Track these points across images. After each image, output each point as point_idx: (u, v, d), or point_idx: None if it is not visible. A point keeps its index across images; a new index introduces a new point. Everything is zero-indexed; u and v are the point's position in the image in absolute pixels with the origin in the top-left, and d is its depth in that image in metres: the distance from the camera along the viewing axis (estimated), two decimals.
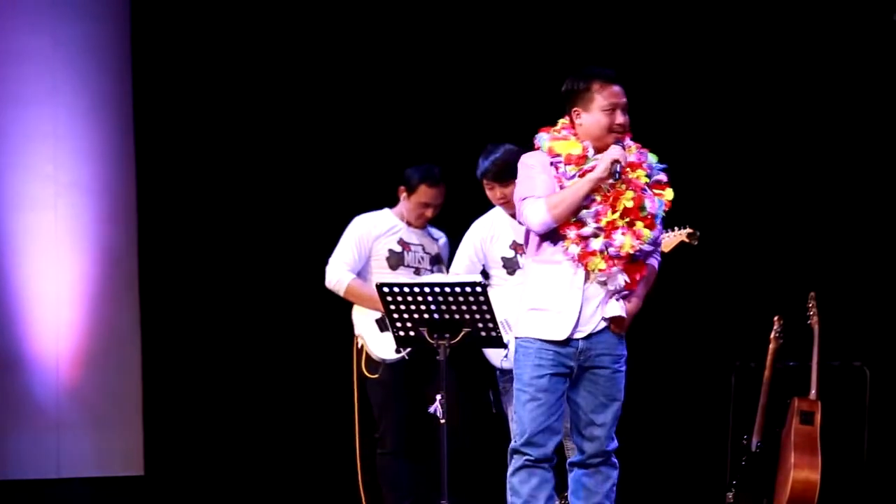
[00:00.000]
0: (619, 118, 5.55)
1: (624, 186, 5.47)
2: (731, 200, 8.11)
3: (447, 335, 6.05)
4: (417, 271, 7.00)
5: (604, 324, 5.51)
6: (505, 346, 6.46)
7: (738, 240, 8.05)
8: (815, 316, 7.42)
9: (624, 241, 5.43)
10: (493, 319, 6.32)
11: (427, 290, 6.11)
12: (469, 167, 6.68)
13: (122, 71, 8.52)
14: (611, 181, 5.43)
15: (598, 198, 5.47)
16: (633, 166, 5.53)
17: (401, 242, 6.94)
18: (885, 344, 7.86)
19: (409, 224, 7.00)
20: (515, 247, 6.60)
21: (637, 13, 8.25)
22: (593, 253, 5.44)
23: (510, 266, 6.62)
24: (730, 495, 7.44)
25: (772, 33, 8.10)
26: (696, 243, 6.58)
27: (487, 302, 6.31)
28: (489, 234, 6.62)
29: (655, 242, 5.57)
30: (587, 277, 5.48)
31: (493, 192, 6.61)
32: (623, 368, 5.57)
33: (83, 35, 8.49)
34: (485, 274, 6.68)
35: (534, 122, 8.12)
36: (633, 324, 8.05)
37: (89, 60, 8.50)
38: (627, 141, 5.59)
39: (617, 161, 5.42)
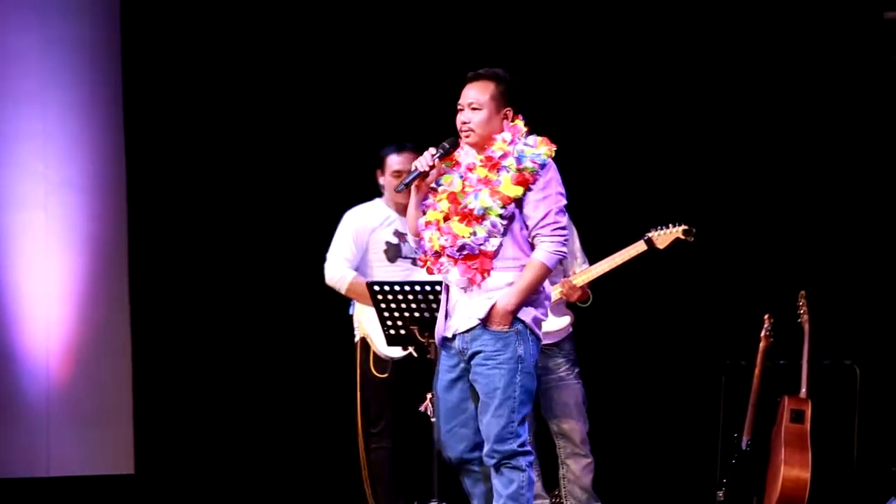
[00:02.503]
0: (459, 117, 5.61)
1: (451, 186, 5.53)
2: (721, 199, 8.11)
3: None
4: (414, 262, 6.98)
5: (475, 321, 5.49)
6: None
7: (729, 238, 8.04)
8: (805, 314, 7.42)
9: (433, 237, 5.49)
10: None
11: (418, 288, 6.16)
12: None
13: (112, 69, 8.51)
14: (406, 183, 5.53)
15: (434, 200, 5.58)
16: (470, 167, 5.55)
17: (396, 234, 6.93)
18: (876, 342, 7.87)
19: (399, 212, 6.99)
20: None
21: (632, 11, 8.25)
22: (425, 255, 5.57)
23: None
24: (720, 494, 7.44)
25: (763, 32, 8.10)
26: (691, 240, 6.59)
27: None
28: None
29: (494, 235, 5.47)
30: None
31: None
32: (504, 366, 5.47)
33: (73, 33, 8.47)
34: None
35: (531, 122, 8.15)
36: (624, 322, 8.12)
37: (79, 58, 8.48)
38: (501, 135, 5.56)
39: (417, 168, 5.53)
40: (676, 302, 8.14)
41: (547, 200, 5.52)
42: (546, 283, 5.58)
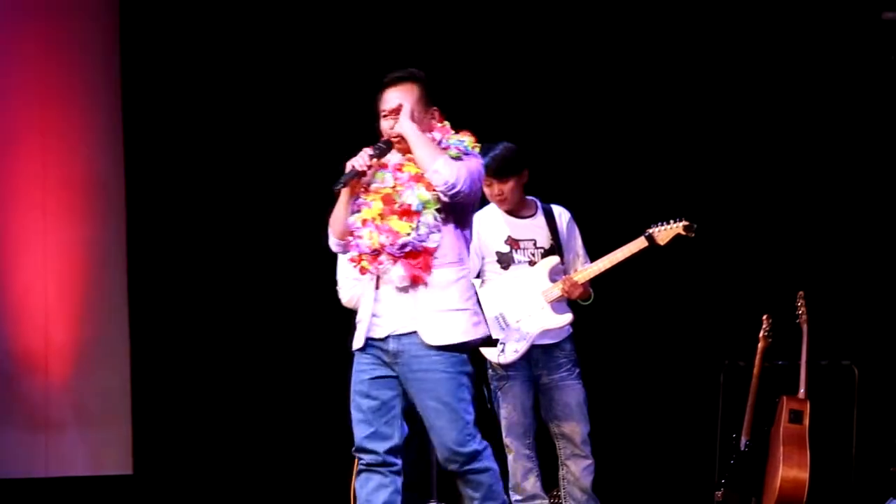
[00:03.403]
0: (385, 124, 5.49)
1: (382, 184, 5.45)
2: (720, 199, 8.11)
3: None
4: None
5: (420, 320, 5.37)
6: (495, 343, 6.47)
7: (728, 238, 8.05)
8: (803, 315, 7.42)
9: (371, 235, 5.37)
10: (484, 318, 6.32)
11: None
12: None
13: (110, 68, 8.51)
14: (343, 182, 5.40)
15: (366, 199, 5.46)
16: (398, 167, 5.46)
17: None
18: (874, 343, 7.88)
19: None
20: (511, 242, 6.60)
21: (634, 9, 8.26)
22: (360, 256, 5.42)
23: (504, 261, 6.63)
24: (719, 494, 7.45)
25: (762, 31, 8.11)
26: (692, 235, 6.57)
27: (477, 298, 6.31)
28: (485, 228, 6.61)
29: (434, 230, 5.37)
30: (378, 280, 5.42)
31: (490, 189, 6.60)
32: (451, 369, 5.36)
33: (71, 31, 8.47)
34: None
35: (531, 121, 8.16)
36: (623, 322, 8.12)
37: (78, 58, 8.49)
38: (433, 135, 5.47)
39: (353, 167, 5.41)
40: (675, 302, 8.14)
41: (467, 163, 5.39)
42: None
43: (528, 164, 6.63)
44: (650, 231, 6.56)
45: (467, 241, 5.51)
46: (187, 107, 8.49)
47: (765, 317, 7.48)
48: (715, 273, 8.10)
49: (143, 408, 8.48)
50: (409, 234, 5.34)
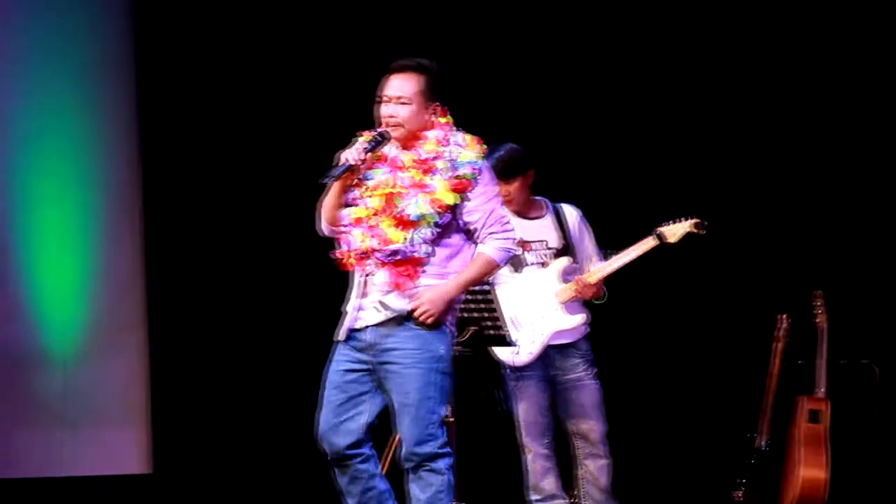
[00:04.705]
0: (383, 110, 5.42)
1: (381, 182, 5.40)
2: (736, 197, 8.09)
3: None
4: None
5: (390, 315, 5.34)
6: (511, 344, 6.47)
7: (744, 237, 8.03)
8: (822, 314, 7.40)
9: (363, 236, 5.35)
10: (500, 318, 6.32)
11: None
12: None
13: (126, 64, 8.51)
14: (334, 176, 5.38)
15: (362, 194, 5.41)
16: (399, 166, 5.40)
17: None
18: (894, 341, 7.84)
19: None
20: (521, 244, 6.59)
21: (643, 7, 8.24)
22: (347, 253, 5.40)
23: (515, 264, 6.62)
24: (738, 494, 7.43)
25: (781, 27, 8.07)
26: (703, 233, 6.56)
27: (494, 301, 6.31)
28: None
29: (426, 242, 5.33)
30: (367, 277, 5.39)
31: None
32: (422, 365, 5.30)
33: (87, 28, 8.48)
34: None
35: (539, 119, 8.15)
36: (641, 322, 8.11)
37: (94, 54, 8.48)
38: (432, 133, 5.41)
39: (347, 160, 5.38)
40: (692, 302, 8.12)
41: (490, 201, 5.38)
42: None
43: (535, 163, 6.63)
44: (660, 229, 6.55)
45: (467, 251, 5.43)
46: (204, 102, 8.48)
47: (783, 316, 7.46)
48: (732, 272, 8.08)
49: (162, 406, 8.48)
50: (402, 244, 5.31)
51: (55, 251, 8.40)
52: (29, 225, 8.39)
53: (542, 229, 6.65)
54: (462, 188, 5.34)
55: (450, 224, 5.36)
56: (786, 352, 7.45)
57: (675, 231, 6.55)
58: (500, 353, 6.62)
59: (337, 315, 7.74)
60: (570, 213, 6.70)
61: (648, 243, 6.57)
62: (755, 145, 8.14)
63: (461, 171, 5.34)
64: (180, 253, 8.48)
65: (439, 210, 5.31)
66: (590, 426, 6.62)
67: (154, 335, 8.50)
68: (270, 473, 8.48)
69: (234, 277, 8.49)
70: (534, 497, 6.70)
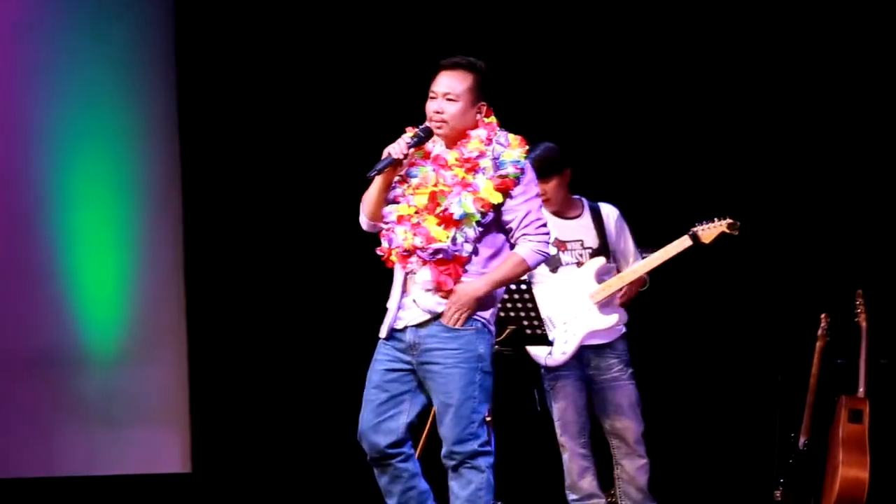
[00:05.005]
0: (431, 105, 5.43)
1: (426, 180, 5.40)
2: (777, 197, 8.07)
3: None
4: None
5: (428, 315, 5.35)
6: (550, 343, 6.46)
7: (785, 237, 8.01)
8: (862, 313, 7.36)
9: (406, 235, 5.34)
10: (539, 317, 6.32)
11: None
12: None
13: (166, 65, 8.54)
14: (378, 169, 5.38)
15: (405, 191, 5.41)
16: (443, 164, 5.40)
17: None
18: None
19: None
20: (557, 244, 6.59)
21: (677, 7, 8.23)
22: (389, 250, 5.41)
23: (552, 263, 6.62)
24: (777, 493, 7.41)
25: (814, 23, 8.04)
26: (736, 233, 6.54)
27: (532, 300, 6.31)
28: None
29: (470, 241, 5.34)
30: (407, 275, 5.41)
31: None
32: (464, 365, 5.32)
33: (127, 32, 8.51)
34: None
35: (577, 118, 8.14)
36: (681, 321, 8.09)
37: (133, 57, 8.52)
38: (476, 132, 5.41)
39: (390, 154, 5.38)
40: (733, 301, 8.10)
41: (529, 202, 5.38)
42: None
43: (572, 162, 6.62)
44: (694, 230, 6.54)
45: (507, 251, 5.44)
46: (244, 104, 8.51)
47: (823, 315, 7.43)
48: (773, 271, 8.06)
49: (202, 406, 8.51)
50: (446, 242, 5.32)
51: (96, 252, 8.44)
52: (69, 226, 8.43)
53: (579, 229, 6.64)
54: (505, 187, 5.35)
55: (492, 223, 5.36)
56: (826, 351, 7.41)
57: (709, 232, 6.54)
58: (535, 352, 6.62)
59: (376, 313, 7.72)
60: (608, 212, 6.68)
61: (683, 243, 6.55)
62: (799, 145, 8.11)
63: (505, 171, 5.35)
64: (220, 253, 8.50)
65: (483, 209, 5.32)
66: (625, 426, 6.61)
67: (193, 335, 8.53)
68: (308, 473, 8.49)
69: (273, 277, 8.50)
70: (572, 496, 6.70)
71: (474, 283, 5.32)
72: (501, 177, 5.34)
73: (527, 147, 5.46)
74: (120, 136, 8.50)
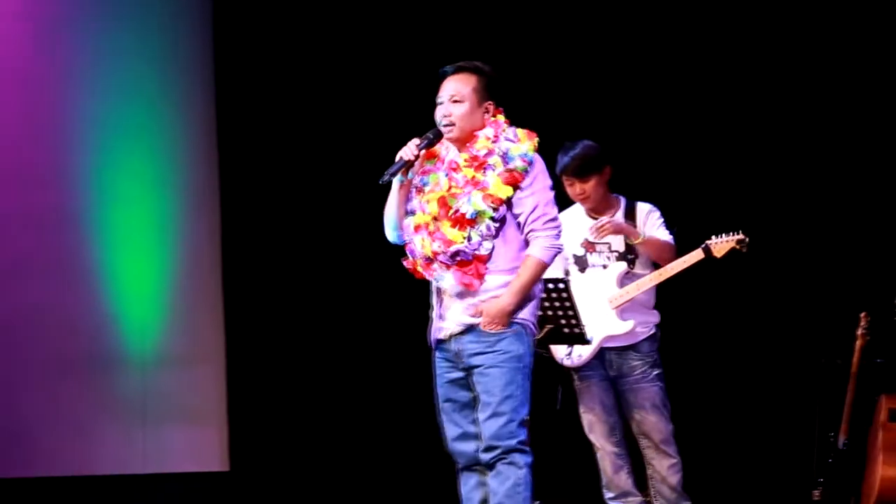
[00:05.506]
0: (439, 111, 5.50)
1: (437, 186, 5.44)
2: (819, 195, 8.03)
3: None
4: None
5: (468, 322, 5.41)
6: (588, 342, 6.46)
7: (825, 235, 7.97)
8: None
9: (424, 242, 5.41)
10: (577, 316, 6.32)
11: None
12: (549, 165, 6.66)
13: (205, 65, 8.57)
14: (391, 173, 5.46)
15: (420, 201, 5.48)
16: (454, 167, 5.45)
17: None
18: None
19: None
20: (586, 245, 6.58)
21: (706, 12, 8.21)
22: (413, 262, 5.49)
23: (580, 263, 6.64)
24: (816, 493, 7.37)
25: (838, 30, 8.01)
26: (745, 250, 6.54)
27: (570, 298, 6.30)
28: (566, 230, 6.59)
29: (487, 238, 5.39)
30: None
31: (572, 189, 6.59)
32: (505, 365, 5.37)
33: (166, 30, 8.55)
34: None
35: (618, 119, 8.13)
36: (721, 320, 8.06)
37: (172, 54, 8.55)
38: (484, 131, 5.46)
39: (402, 157, 5.46)
40: (772, 300, 8.07)
41: (536, 195, 5.42)
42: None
43: (613, 161, 6.60)
44: (708, 243, 6.53)
45: (527, 245, 5.47)
46: (281, 104, 8.53)
47: (863, 314, 7.39)
48: (813, 270, 8.02)
49: (240, 405, 8.53)
50: (462, 243, 5.36)
51: (134, 252, 8.47)
52: (108, 225, 8.47)
53: None
54: (514, 181, 5.39)
55: (510, 218, 5.41)
56: (866, 350, 7.38)
57: (721, 246, 6.52)
58: (556, 352, 6.62)
59: (411, 313, 7.77)
60: (642, 210, 6.66)
61: (696, 256, 6.54)
62: (839, 144, 8.08)
63: (513, 164, 5.40)
64: (258, 254, 8.52)
65: (493, 204, 5.36)
66: (651, 427, 6.60)
67: (231, 335, 8.55)
68: (344, 471, 8.50)
69: (310, 276, 8.52)
70: (608, 494, 6.71)
71: (500, 299, 5.37)
72: (509, 170, 5.38)
73: (536, 140, 5.49)
74: (159, 134, 8.53)
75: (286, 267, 8.53)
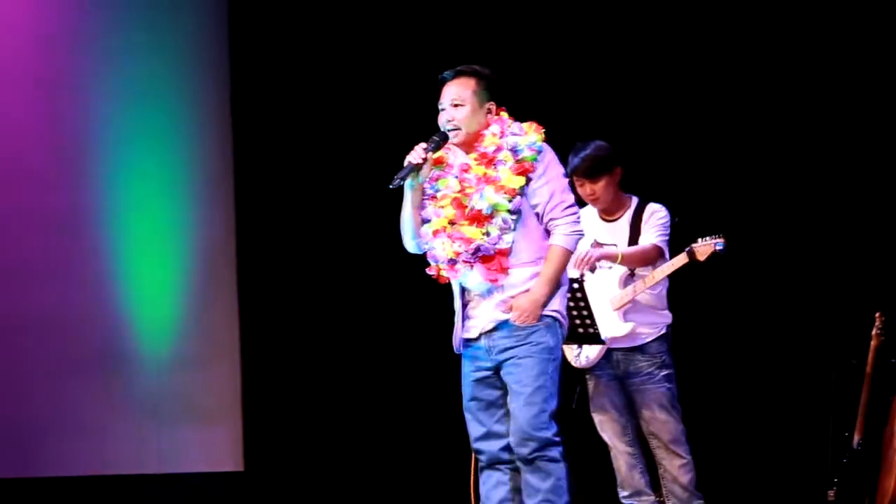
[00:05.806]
0: (442, 117, 5.56)
1: (448, 189, 5.48)
2: (833, 194, 8.02)
3: None
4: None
5: (499, 318, 5.44)
6: (603, 342, 6.45)
7: (840, 235, 7.96)
8: None
9: (444, 245, 5.43)
10: (591, 316, 6.31)
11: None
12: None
13: (220, 68, 8.59)
14: (400, 177, 5.49)
15: (434, 207, 5.52)
16: (464, 168, 5.49)
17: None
18: None
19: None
20: (596, 245, 6.58)
21: (713, 13, 8.20)
22: (437, 266, 5.51)
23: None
24: (831, 493, 7.36)
25: (843, 30, 8.00)
26: (722, 254, 6.50)
27: (585, 298, 6.31)
28: None
29: (507, 231, 5.42)
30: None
31: (583, 189, 6.57)
32: (537, 356, 5.41)
33: (181, 31, 8.57)
34: None
35: (629, 119, 8.13)
36: (735, 319, 8.05)
37: (188, 58, 8.58)
38: (489, 129, 5.50)
39: (410, 162, 5.48)
40: (788, 299, 8.06)
41: (550, 183, 5.46)
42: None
43: (624, 161, 6.59)
44: (692, 246, 6.50)
45: (548, 235, 5.50)
46: (297, 108, 8.54)
47: (878, 314, 7.37)
48: (827, 270, 8.01)
49: (254, 405, 8.55)
50: (481, 239, 5.39)
51: (149, 252, 8.49)
52: (124, 226, 8.49)
53: (616, 231, 6.62)
54: (524, 171, 5.43)
55: (528, 210, 5.44)
56: (881, 350, 7.36)
57: (703, 249, 6.50)
58: (567, 353, 6.61)
59: (428, 313, 7.79)
60: (648, 211, 6.63)
61: (680, 260, 6.52)
62: (856, 145, 8.06)
63: (521, 155, 5.43)
64: (273, 255, 8.54)
65: (507, 196, 5.39)
66: (659, 427, 6.59)
67: (246, 335, 8.56)
68: (359, 471, 8.51)
69: (325, 278, 8.53)
70: (622, 493, 6.71)
71: (531, 292, 5.40)
72: (519, 161, 5.42)
73: (542, 131, 5.52)
74: (174, 135, 8.55)
75: (301, 267, 8.54)
